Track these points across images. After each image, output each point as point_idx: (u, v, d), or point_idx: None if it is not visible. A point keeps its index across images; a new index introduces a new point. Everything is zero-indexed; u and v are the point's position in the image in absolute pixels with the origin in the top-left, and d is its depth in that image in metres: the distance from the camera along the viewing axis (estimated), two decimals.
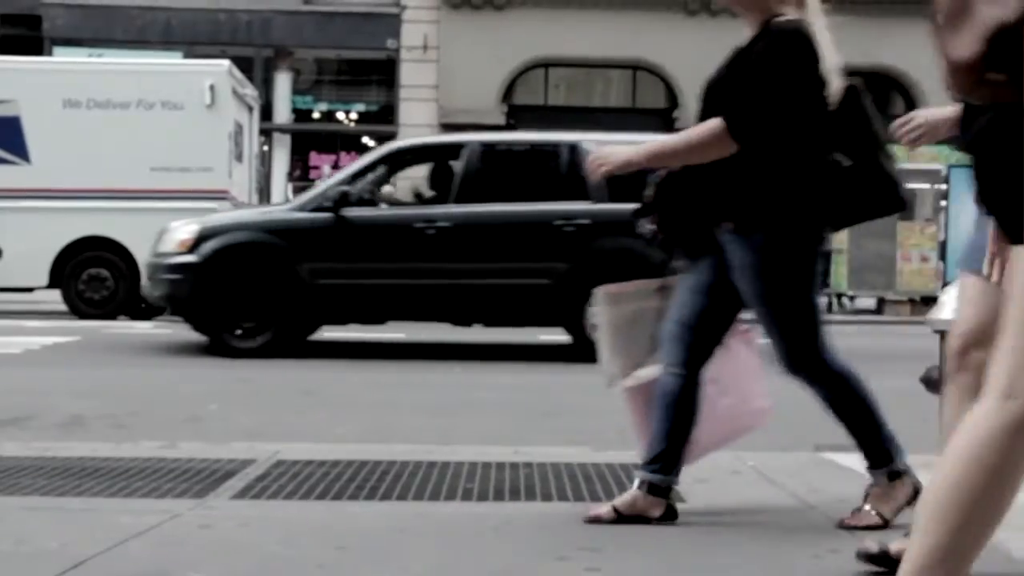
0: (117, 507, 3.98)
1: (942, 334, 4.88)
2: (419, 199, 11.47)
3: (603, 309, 4.02)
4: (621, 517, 3.79)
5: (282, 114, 24.67)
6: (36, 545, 3.46)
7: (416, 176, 12.73)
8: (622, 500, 3.86)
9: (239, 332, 10.42)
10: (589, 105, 24.34)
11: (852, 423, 3.83)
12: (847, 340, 16.07)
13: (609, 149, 3.79)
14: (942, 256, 18.34)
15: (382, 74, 24.90)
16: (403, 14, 24.12)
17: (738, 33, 3.80)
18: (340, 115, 25.23)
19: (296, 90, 25.06)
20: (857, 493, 4.35)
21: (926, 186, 19.11)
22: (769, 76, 3.58)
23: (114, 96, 15.25)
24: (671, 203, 3.81)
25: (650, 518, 3.78)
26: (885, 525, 3.68)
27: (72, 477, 4.47)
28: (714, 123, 3.60)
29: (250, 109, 16.99)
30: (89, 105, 15.22)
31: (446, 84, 23.28)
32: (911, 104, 25.31)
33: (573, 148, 10.77)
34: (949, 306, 4.86)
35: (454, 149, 11.01)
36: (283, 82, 24.82)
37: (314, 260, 10.31)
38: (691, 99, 25.12)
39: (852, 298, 18.74)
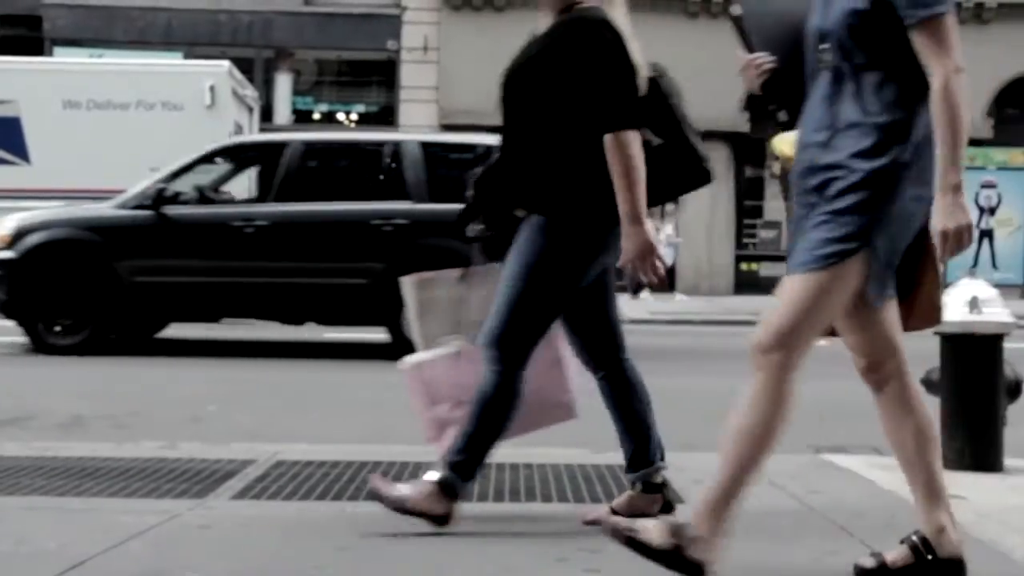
0: (117, 507, 3.98)
1: (943, 336, 4.90)
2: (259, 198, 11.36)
3: (410, 294, 4.07)
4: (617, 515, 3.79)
5: (282, 115, 24.67)
6: (36, 545, 3.46)
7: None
8: (618, 501, 3.88)
9: (58, 329, 10.40)
10: None
11: (480, 427, 3.67)
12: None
13: (644, 254, 3.59)
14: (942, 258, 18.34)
15: (382, 75, 24.90)
16: (403, 15, 24.12)
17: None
18: (340, 116, 25.23)
19: (296, 91, 25.06)
20: (857, 495, 4.36)
21: None
22: (602, 65, 3.57)
23: (114, 97, 15.26)
24: (492, 199, 3.80)
25: (650, 515, 3.79)
26: (402, 510, 3.63)
27: (72, 477, 4.48)
28: (612, 144, 3.54)
29: (250, 110, 17.00)
30: (89, 106, 15.23)
31: (446, 85, 23.28)
32: None
33: (395, 148, 10.81)
34: (950, 308, 4.88)
35: (277, 148, 10.98)
36: (283, 83, 24.82)
37: (132, 257, 10.33)
38: (692, 100, 25.08)
39: None
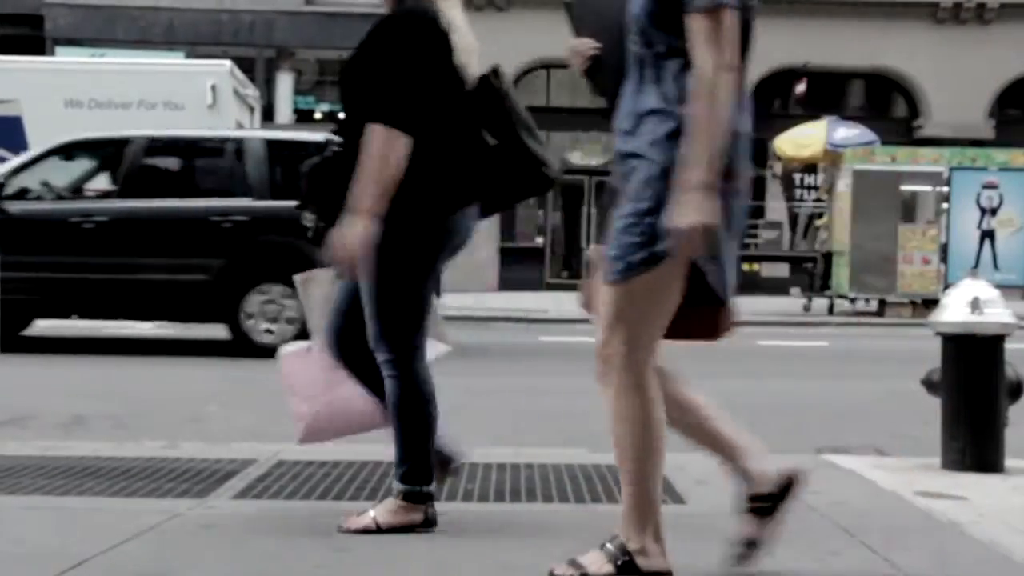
0: (118, 507, 3.98)
1: (944, 336, 4.90)
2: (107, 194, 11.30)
3: (300, 291, 4.12)
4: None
5: (284, 114, 24.68)
6: (36, 545, 3.46)
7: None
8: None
9: None
10: (591, 107, 24.32)
11: (404, 432, 3.70)
12: (848, 342, 16.02)
13: (344, 239, 3.55)
14: (943, 258, 18.32)
15: None
16: None
17: None
18: (342, 116, 25.21)
19: (298, 90, 25.07)
20: (858, 496, 4.35)
21: (927, 188, 19.10)
22: (398, 62, 3.56)
23: (116, 96, 15.24)
24: (325, 192, 3.79)
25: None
26: (378, 530, 3.62)
27: (73, 477, 4.47)
28: (375, 133, 3.53)
29: (252, 109, 16.97)
30: (91, 105, 15.21)
31: None
32: (911, 104, 25.35)
33: (239, 145, 10.82)
34: (951, 308, 4.88)
35: (122, 144, 10.97)
36: (285, 82, 24.82)
37: None
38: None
39: (853, 300, 18.72)
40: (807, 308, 19.35)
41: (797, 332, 15.44)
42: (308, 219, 3.88)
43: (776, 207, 25.80)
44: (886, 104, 25.92)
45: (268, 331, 10.30)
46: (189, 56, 21.72)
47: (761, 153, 24.96)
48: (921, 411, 5.61)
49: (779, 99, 25.25)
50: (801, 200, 25.31)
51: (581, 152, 25.14)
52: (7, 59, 16.34)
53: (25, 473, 4.52)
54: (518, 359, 11.08)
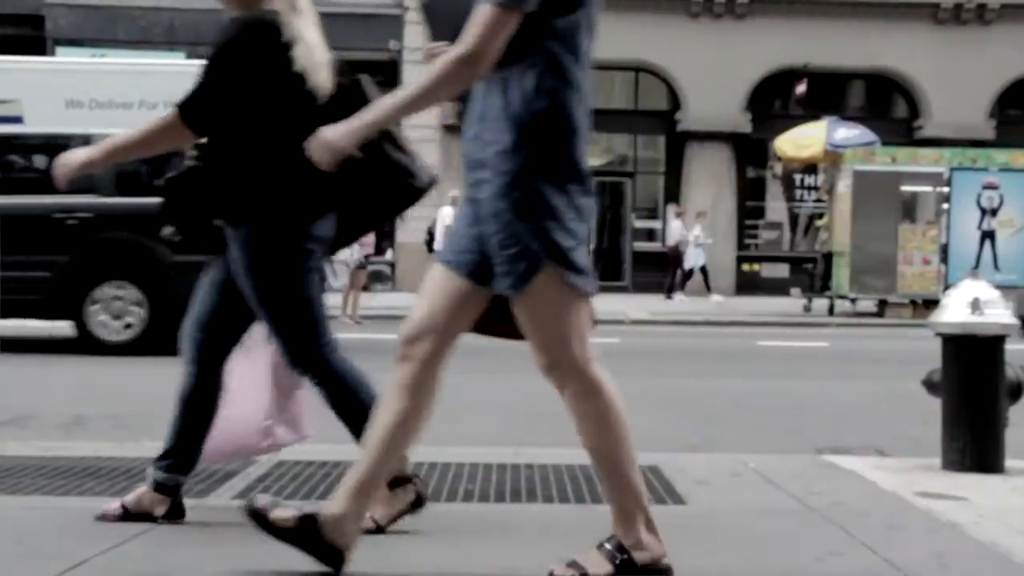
0: None
1: (944, 337, 4.90)
2: None
3: None
4: (128, 514, 3.73)
5: None
6: (36, 545, 3.46)
7: None
8: (129, 498, 3.79)
9: None
10: (591, 107, 24.30)
11: (354, 427, 3.69)
12: (849, 342, 15.93)
13: (69, 153, 3.75)
14: (944, 259, 18.34)
15: (384, 75, 24.89)
16: (405, 15, 24.12)
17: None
18: None
19: None
20: (858, 496, 4.36)
21: (928, 189, 19.11)
22: (216, 66, 3.62)
23: (117, 96, 15.22)
24: (181, 202, 3.84)
25: (155, 516, 3.74)
26: (378, 530, 3.58)
27: (73, 477, 4.47)
28: (171, 114, 3.62)
29: None
30: (92, 105, 15.19)
31: None
32: (912, 104, 25.36)
33: (85, 141, 10.75)
34: (951, 309, 4.88)
35: None
36: None
37: None
38: (693, 101, 25.13)
39: (854, 300, 18.73)
40: (807, 308, 19.36)
41: (797, 332, 15.44)
42: (168, 232, 3.93)
43: (776, 207, 25.81)
44: (886, 105, 25.92)
45: (111, 328, 10.43)
46: (190, 56, 21.69)
47: (762, 153, 25.01)
48: (921, 412, 5.62)
49: (779, 99, 25.25)
50: (801, 200, 25.32)
51: None
52: (8, 59, 16.33)
53: (25, 473, 4.52)
54: (518, 359, 11.05)
